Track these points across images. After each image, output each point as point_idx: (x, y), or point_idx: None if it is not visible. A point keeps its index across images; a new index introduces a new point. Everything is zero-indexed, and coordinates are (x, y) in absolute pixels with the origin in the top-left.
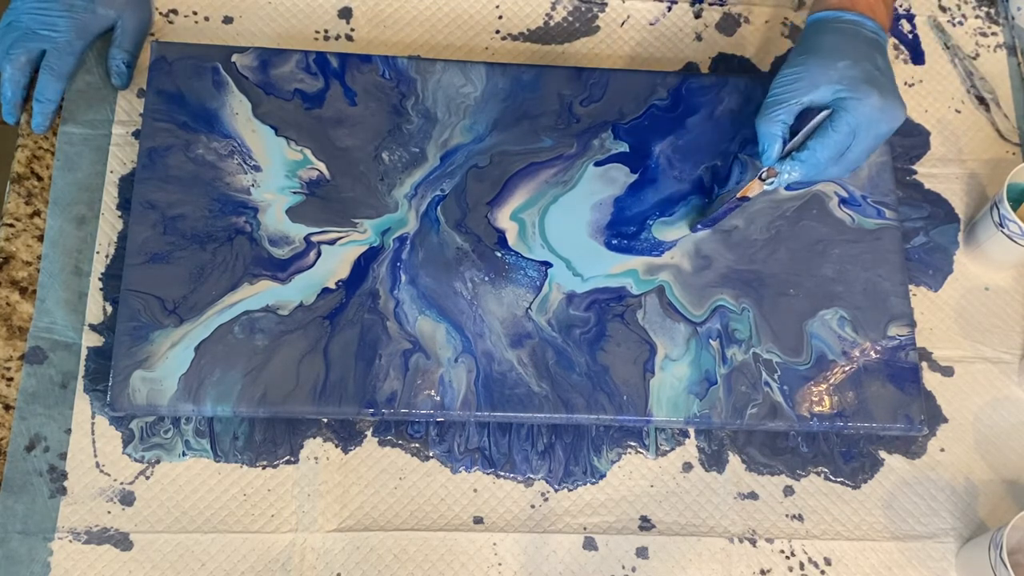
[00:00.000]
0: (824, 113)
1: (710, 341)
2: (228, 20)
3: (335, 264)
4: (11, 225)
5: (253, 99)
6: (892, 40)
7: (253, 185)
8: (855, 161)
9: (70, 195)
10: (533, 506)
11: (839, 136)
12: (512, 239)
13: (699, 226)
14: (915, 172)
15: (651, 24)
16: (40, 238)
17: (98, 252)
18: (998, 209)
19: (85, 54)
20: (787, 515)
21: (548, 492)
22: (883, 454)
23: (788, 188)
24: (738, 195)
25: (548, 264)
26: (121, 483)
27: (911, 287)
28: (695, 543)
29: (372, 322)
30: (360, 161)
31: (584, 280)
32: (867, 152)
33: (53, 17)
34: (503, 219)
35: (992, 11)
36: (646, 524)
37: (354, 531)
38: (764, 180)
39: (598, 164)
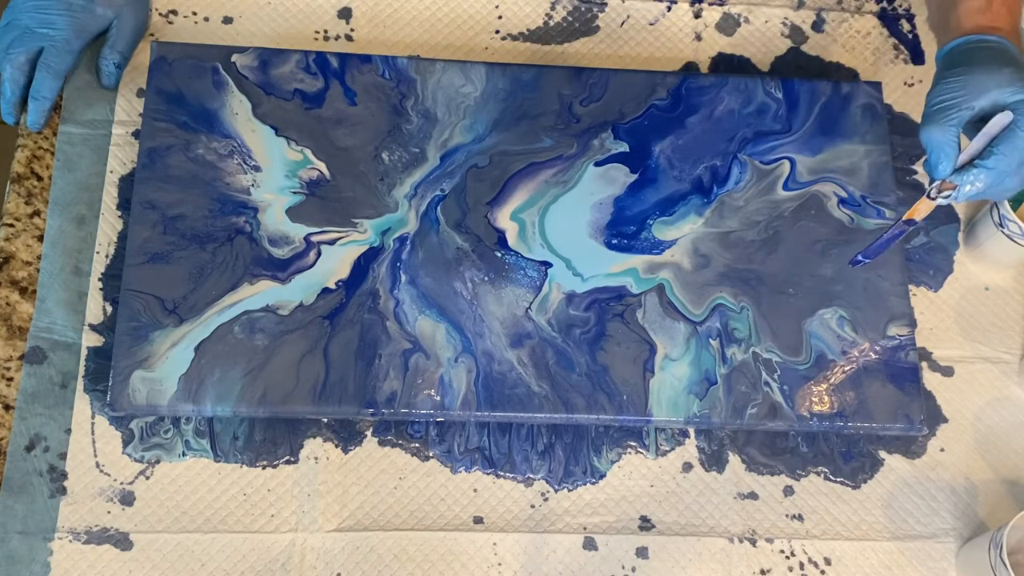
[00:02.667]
0: (1004, 115)
1: (710, 340)
2: (228, 20)
3: (335, 264)
4: (11, 225)
5: (253, 99)
6: (892, 40)
7: (253, 185)
8: None
9: (70, 195)
10: (533, 506)
11: None
12: (512, 239)
13: (860, 257)
14: (915, 172)
15: (651, 24)
16: (40, 238)
17: (98, 252)
18: (998, 209)
19: (83, 53)
20: (787, 515)
21: (548, 492)
22: (883, 454)
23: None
24: (904, 218)
25: (548, 264)
26: (121, 483)
27: (911, 287)
28: (695, 543)
29: (372, 322)
30: (360, 161)
31: (584, 280)
32: None
33: (52, 16)
34: (503, 219)
35: None
36: (646, 524)
37: (354, 531)
38: (935, 196)
39: (598, 164)
